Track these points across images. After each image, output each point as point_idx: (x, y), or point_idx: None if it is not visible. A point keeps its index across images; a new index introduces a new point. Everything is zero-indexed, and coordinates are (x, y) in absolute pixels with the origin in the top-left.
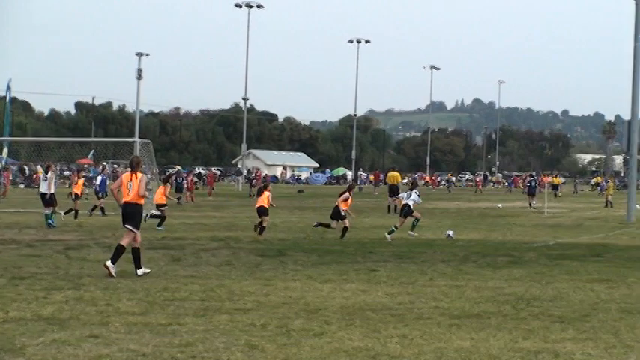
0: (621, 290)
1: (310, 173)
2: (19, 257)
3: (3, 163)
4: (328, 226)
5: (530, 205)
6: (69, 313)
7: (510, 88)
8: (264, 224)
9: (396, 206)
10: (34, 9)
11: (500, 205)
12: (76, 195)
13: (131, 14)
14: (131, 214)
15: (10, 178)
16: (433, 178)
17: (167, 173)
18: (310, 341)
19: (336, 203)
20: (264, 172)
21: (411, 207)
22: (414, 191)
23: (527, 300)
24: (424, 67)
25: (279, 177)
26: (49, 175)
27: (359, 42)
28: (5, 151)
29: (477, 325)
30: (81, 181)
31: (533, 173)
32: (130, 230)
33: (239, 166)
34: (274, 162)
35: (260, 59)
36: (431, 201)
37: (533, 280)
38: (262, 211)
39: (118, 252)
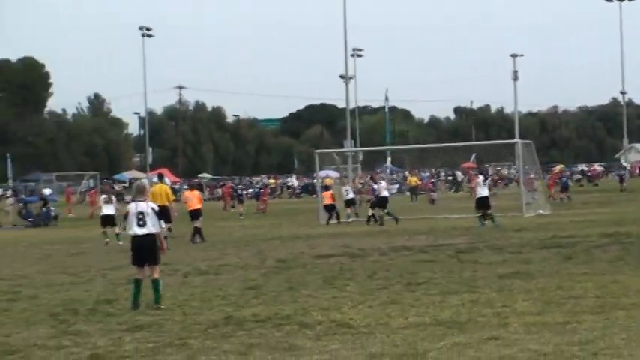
0: None
1: None
2: (412, 263)
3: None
4: None
5: None
6: (466, 316)
7: None
8: None
9: None
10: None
11: None
12: None
13: (503, 16)
14: None
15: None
16: None
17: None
18: None
19: None
20: None
21: None
22: None
23: None
24: None
25: None
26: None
27: None
28: (388, 159)
29: None
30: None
31: None
32: None
33: (621, 161)
34: None
35: (635, 53)
36: None
37: None
38: None
39: None
